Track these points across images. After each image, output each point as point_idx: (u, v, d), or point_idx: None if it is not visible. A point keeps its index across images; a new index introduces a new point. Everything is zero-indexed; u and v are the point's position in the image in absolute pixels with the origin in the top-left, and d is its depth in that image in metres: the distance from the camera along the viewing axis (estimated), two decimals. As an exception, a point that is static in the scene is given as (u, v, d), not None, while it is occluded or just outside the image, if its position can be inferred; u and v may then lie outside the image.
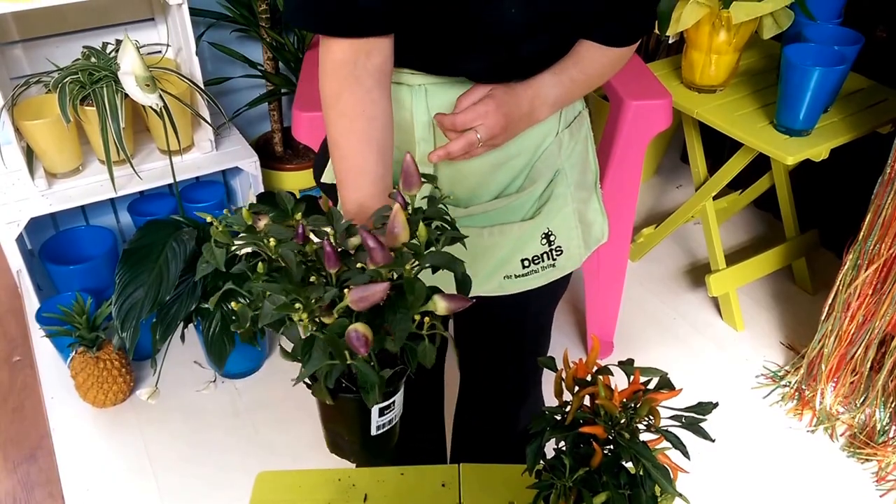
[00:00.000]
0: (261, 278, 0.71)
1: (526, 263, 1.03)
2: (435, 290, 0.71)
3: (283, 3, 0.91)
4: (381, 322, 0.69)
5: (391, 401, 0.77)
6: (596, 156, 1.11)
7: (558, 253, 1.04)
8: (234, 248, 0.77)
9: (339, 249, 0.73)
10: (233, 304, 0.75)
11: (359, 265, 0.70)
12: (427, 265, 0.72)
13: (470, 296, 0.73)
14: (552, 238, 1.03)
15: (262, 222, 0.75)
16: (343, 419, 0.79)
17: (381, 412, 0.77)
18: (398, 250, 0.71)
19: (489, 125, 0.89)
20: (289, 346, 0.75)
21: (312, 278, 0.70)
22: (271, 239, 0.72)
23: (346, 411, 0.77)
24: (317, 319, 0.69)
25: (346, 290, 0.67)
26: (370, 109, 0.84)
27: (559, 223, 1.03)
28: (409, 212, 0.75)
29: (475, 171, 0.97)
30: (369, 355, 0.68)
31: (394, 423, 0.80)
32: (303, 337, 0.71)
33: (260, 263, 0.72)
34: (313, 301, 0.68)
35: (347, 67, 0.83)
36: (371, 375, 0.70)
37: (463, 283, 0.75)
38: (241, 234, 0.74)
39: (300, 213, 0.76)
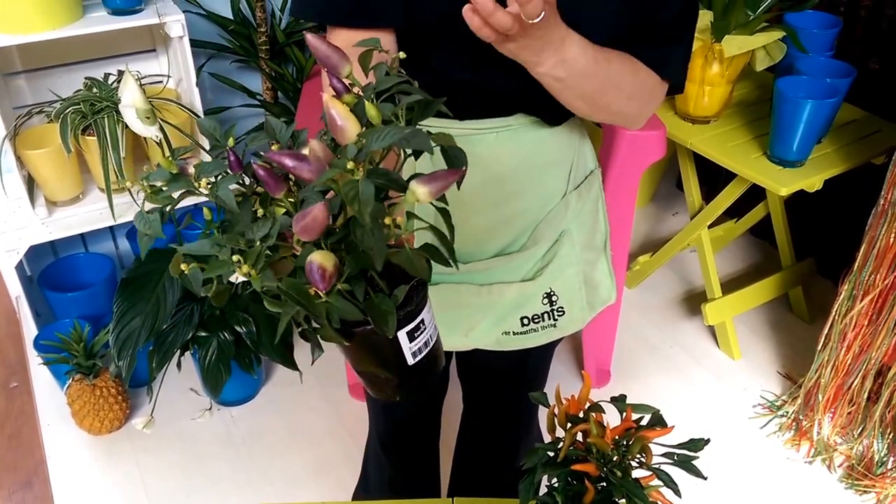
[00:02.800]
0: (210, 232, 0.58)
1: (525, 322, 1.02)
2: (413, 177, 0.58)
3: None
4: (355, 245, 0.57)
5: (418, 320, 0.64)
6: (606, 216, 1.09)
7: (560, 313, 1.03)
8: (167, 204, 0.62)
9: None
10: (183, 266, 0.60)
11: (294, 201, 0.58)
12: (378, 146, 0.56)
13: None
14: (554, 298, 1.02)
15: (193, 165, 0.61)
16: (371, 357, 0.66)
17: (412, 336, 0.64)
18: (344, 152, 0.56)
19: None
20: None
21: (261, 212, 0.58)
22: (202, 180, 0.58)
23: (371, 347, 0.65)
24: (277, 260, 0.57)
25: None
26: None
27: (562, 284, 1.02)
28: (353, 96, 0.60)
29: (477, 228, 0.96)
30: (356, 283, 0.56)
31: (431, 344, 0.67)
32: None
33: (206, 209, 0.62)
34: (259, 243, 0.56)
35: (348, 52, 0.83)
36: (352, 312, 0.57)
37: (454, 157, 0.60)
38: (169, 184, 0.59)
39: (232, 139, 0.61)
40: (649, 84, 0.89)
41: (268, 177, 0.56)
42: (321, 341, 0.63)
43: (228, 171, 0.60)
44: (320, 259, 0.54)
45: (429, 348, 0.67)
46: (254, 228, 0.56)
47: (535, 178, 0.97)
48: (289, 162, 0.54)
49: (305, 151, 0.59)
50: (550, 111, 0.91)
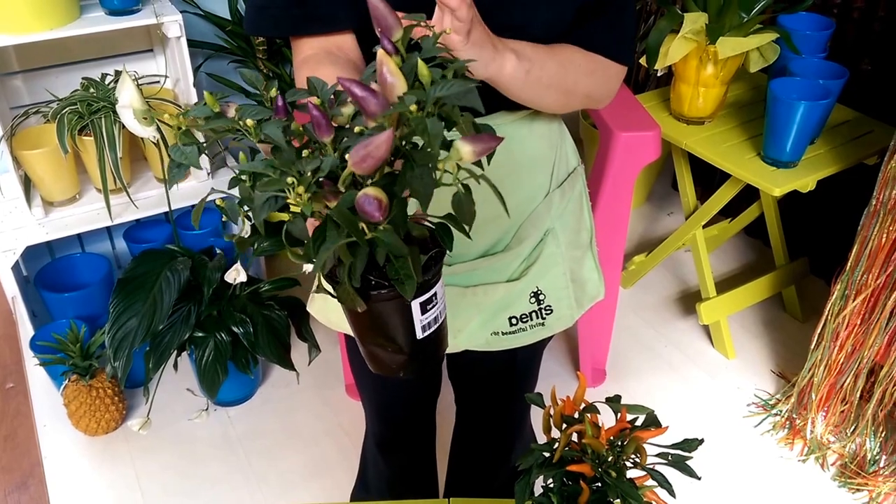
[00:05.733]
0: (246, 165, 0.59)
1: (514, 321, 1.02)
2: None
3: (244, 15, 0.89)
4: (399, 189, 0.58)
5: (431, 292, 0.66)
6: (592, 213, 1.09)
7: (548, 312, 1.03)
8: (205, 141, 0.63)
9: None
10: (217, 201, 0.61)
11: (357, 130, 0.59)
12: (441, 94, 0.57)
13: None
14: (542, 297, 1.02)
15: (233, 108, 0.63)
16: (381, 326, 0.67)
17: (424, 308, 0.66)
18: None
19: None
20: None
21: (305, 153, 0.59)
22: (248, 120, 0.60)
23: (383, 315, 0.66)
24: (320, 201, 0.58)
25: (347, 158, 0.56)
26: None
27: (549, 283, 1.02)
28: (400, 59, 0.62)
29: None
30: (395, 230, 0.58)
31: (440, 321, 0.69)
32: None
33: (241, 154, 0.62)
34: (309, 175, 0.57)
35: (320, 56, 0.82)
36: (400, 247, 0.58)
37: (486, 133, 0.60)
38: (210, 119, 0.61)
39: (275, 90, 0.63)
40: (602, 61, 0.90)
41: (321, 117, 0.56)
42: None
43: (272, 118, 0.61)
44: (374, 192, 0.54)
45: (437, 324, 0.69)
46: (303, 162, 0.57)
47: (516, 178, 0.97)
48: (358, 91, 0.55)
49: (344, 110, 0.62)
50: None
